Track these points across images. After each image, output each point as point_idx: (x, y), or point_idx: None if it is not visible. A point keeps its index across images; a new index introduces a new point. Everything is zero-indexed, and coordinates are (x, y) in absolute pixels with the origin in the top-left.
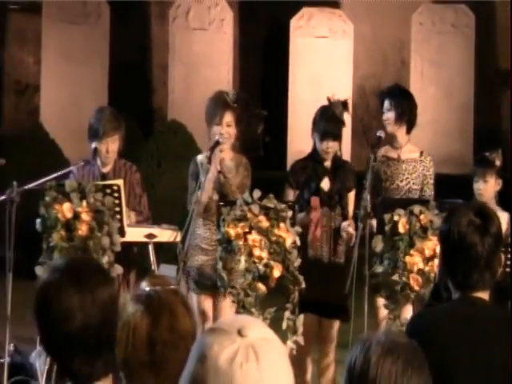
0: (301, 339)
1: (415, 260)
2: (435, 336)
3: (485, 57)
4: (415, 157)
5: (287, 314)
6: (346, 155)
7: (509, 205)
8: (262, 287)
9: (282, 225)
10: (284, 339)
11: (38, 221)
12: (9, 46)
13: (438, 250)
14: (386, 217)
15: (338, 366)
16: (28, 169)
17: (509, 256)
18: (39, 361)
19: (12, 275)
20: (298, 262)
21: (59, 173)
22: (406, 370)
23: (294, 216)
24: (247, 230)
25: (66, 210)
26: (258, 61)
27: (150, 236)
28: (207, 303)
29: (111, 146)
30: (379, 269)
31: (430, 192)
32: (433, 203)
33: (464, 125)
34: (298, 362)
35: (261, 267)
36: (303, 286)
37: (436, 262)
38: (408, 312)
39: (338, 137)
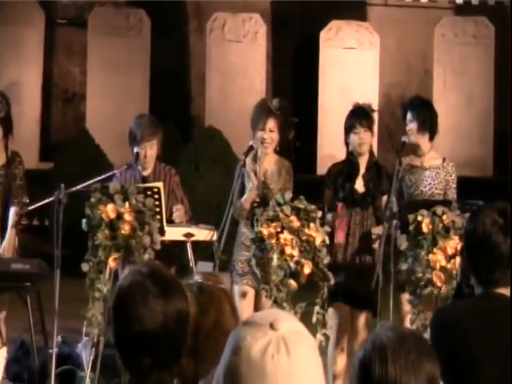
0: (330, 331)
1: (438, 258)
2: (458, 327)
3: (504, 66)
4: (438, 163)
5: (317, 308)
6: None
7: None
8: (293, 283)
9: (311, 225)
10: (314, 332)
11: (84, 221)
12: (57, 57)
13: (459, 248)
14: (411, 217)
15: None
16: (75, 172)
17: None
18: (85, 352)
19: (60, 272)
20: (326, 260)
21: (103, 176)
22: (419, 359)
23: (324, 217)
24: (279, 230)
25: (109, 210)
26: (289, 71)
27: (188, 235)
28: (249, 296)
29: (149, 150)
30: (404, 266)
31: (452, 196)
32: (455, 204)
33: (484, 130)
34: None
35: (292, 264)
36: (332, 282)
37: (458, 259)
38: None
39: (364, 123)
